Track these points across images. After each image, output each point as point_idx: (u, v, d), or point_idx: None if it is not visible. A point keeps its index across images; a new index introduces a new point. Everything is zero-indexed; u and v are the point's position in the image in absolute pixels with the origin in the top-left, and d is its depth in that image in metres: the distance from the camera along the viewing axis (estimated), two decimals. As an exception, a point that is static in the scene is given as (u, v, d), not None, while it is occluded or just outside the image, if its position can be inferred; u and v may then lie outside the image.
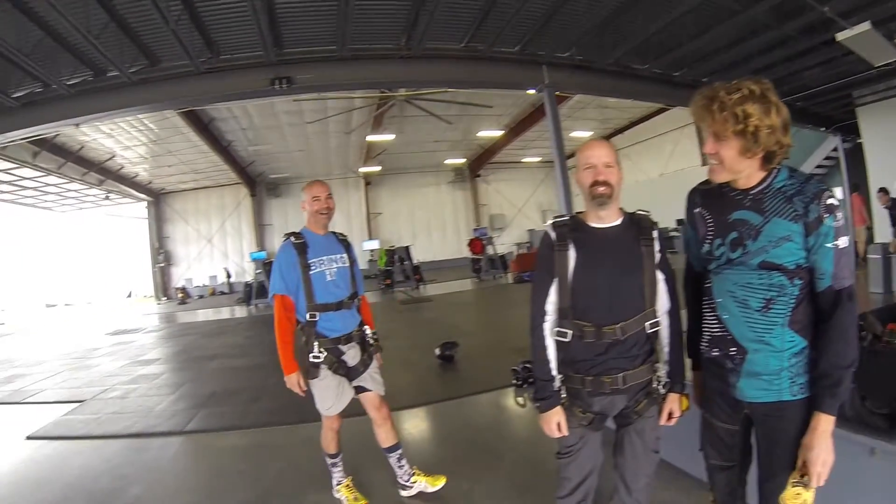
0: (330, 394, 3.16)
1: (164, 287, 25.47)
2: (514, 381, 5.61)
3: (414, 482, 3.45)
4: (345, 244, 3.32)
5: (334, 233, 3.34)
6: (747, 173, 1.76)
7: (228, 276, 24.99)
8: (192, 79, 6.84)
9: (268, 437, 4.85)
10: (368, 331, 3.35)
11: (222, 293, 24.42)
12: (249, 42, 6.47)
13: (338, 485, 3.43)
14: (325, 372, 3.13)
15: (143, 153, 18.12)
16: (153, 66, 6.68)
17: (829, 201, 1.66)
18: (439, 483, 3.47)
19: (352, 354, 3.23)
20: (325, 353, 3.12)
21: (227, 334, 12.13)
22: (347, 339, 3.20)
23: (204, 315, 17.12)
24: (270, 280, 3.19)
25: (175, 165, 20.16)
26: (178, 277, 25.50)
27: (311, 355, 3.11)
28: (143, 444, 4.90)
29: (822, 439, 1.66)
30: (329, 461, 3.41)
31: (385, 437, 3.37)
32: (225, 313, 17.12)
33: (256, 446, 4.64)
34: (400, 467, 3.44)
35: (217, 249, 25.85)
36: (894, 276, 9.79)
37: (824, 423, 1.66)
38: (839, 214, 1.66)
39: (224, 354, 9.25)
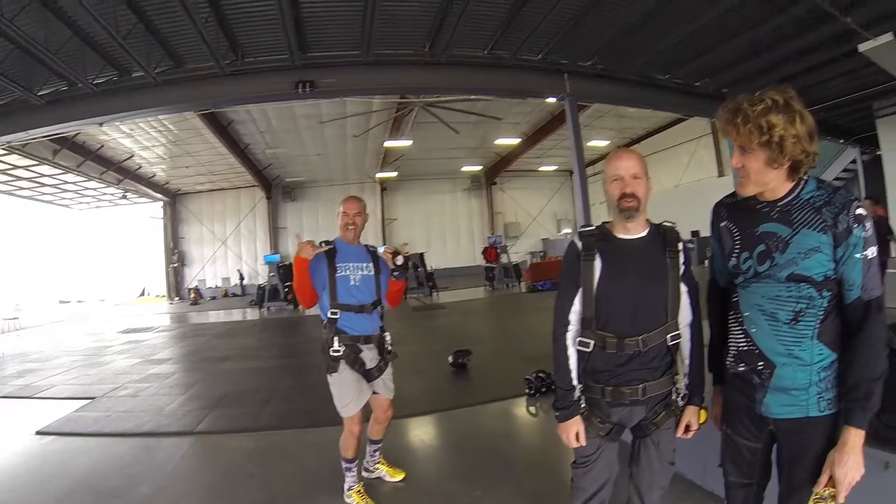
0: (349, 389, 3.30)
1: (177, 287, 25.60)
2: (528, 391, 5.53)
3: (377, 468, 3.77)
4: (373, 256, 3.51)
5: (366, 245, 3.55)
6: (774, 185, 1.74)
7: (241, 278, 25.07)
8: (217, 80, 6.90)
9: (278, 440, 4.79)
10: (388, 337, 3.53)
11: (235, 295, 24.53)
12: (274, 45, 6.52)
13: (349, 490, 3.44)
14: (343, 367, 3.30)
15: (162, 153, 18.30)
16: (178, 67, 6.75)
17: (859, 211, 1.63)
18: (398, 476, 3.76)
19: (370, 356, 3.40)
20: (344, 348, 3.29)
21: (239, 336, 12.14)
22: (367, 339, 3.39)
23: (216, 316, 17.19)
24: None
25: (192, 167, 20.34)
26: (192, 278, 25.65)
27: (331, 350, 3.28)
28: (153, 444, 4.85)
29: (853, 454, 1.62)
30: (344, 465, 3.46)
31: (377, 432, 3.65)
32: (237, 315, 17.17)
33: (266, 449, 4.57)
34: (372, 455, 3.74)
35: (231, 251, 25.99)
36: None
37: (854, 438, 1.62)
38: (868, 224, 1.64)
39: (236, 356, 9.24)
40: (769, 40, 7.62)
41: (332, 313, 3.32)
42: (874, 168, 12.82)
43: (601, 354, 2.02)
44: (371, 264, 3.46)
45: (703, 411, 2.11)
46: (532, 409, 5.25)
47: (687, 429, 2.11)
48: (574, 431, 2.06)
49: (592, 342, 2.02)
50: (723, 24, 6.95)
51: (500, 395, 5.69)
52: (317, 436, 4.64)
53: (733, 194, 1.90)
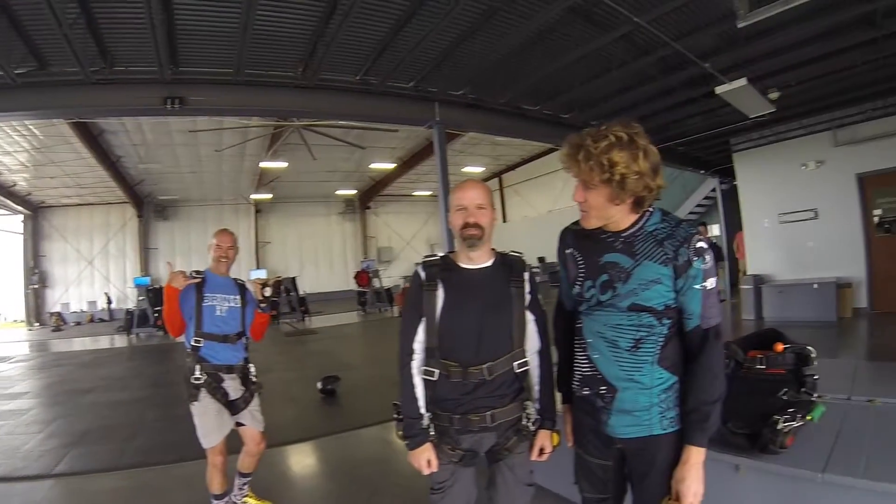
0: (210, 420, 3.32)
1: (37, 311, 23.23)
2: (396, 416, 5.64)
3: (244, 501, 3.75)
4: (241, 288, 3.65)
5: (235, 278, 3.69)
6: (617, 218, 1.81)
7: (109, 301, 23.31)
8: (83, 88, 6.47)
9: (145, 479, 4.60)
10: (253, 369, 3.64)
11: (102, 320, 22.79)
12: (145, 56, 6.25)
13: None
14: (204, 395, 3.33)
15: (24, 160, 16.70)
16: (42, 69, 6.29)
17: (699, 245, 1.73)
18: None
19: (233, 386, 3.46)
20: (206, 377, 3.34)
21: (105, 365, 11.39)
22: (229, 369, 3.47)
23: (81, 343, 15.91)
24: None
25: (58, 177, 18.74)
26: (54, 301, 23.43)
27: (192, 377, 3.33)
28: (5, 490, 4.47)
29: (694, 471, 1.73)
30: (214, 502, 3.44)
31: (248, 465, 3.66)
32: (104, 342, 16.04)
33: (132, 489, 4.39)
34: (240, 489, 3.72)
35: (98, 272, 24.05)
36: (764, 304, 11.06)
37: (695, 456, 1.74)
38: (707, 257, 1.74)
39: (101, 387, 8.74)
40: (635, 79, 8.34)
41: (196, 341, 3.38)
42: (732, 196, 14.25)
43: (446, 383, 2.07)
44: (238, 297, 3.58)
45: (555, 434, 2.18)
46: (401, 433, 5.36)
47: (541, 452, 2.16)
48: (425, 458, 2.09)
49: (437, 371, 2.07)
50: (589, 63, 7.54)
51: (369, 421, 5.85)
52: (185, 470, 4.53)
53: (579, 221, 1.95)
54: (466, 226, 2.05)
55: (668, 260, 1.73)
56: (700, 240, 1.74)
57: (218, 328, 3.44)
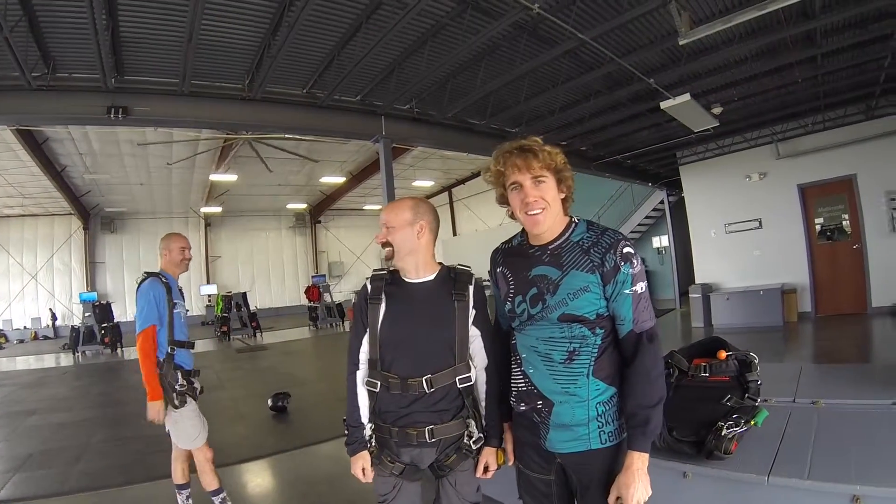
0: (198, 422, 3.55)
1: (-24, 328, 22.03)
2: (346, 432, 5.60)
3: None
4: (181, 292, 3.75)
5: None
6: (555, 221, 1.85)
7: (54, 318, 22.30)
8: (24, 94, 6.23)
9: (91, 503, 4.44)
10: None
11: (46, 338, 21.74)
12: (88, 63, 6.07)
13: None
14: (189, 399, 3.49)
15: (-37, 167, 15.78)
16: None
17: (626, 250, 1.75)
18: None
19: (198, 388, 3.64)
20: (186, 384, 3.48)
21: (50, 385, 10.90)
22: (196, 372, 3.64)
23: (23, 362, 15.21)
24: (140, 312, 3.42)
25: (0, 187, 17.87)
26: (-6, 318, 22.34)
27: (177, 384, 3.42)
28: None
29: (637, 476, 1.72)
30: (177, 491, 3.70)
31: (186, 476, 3.77)
32: (48, 361, 15.31)
33: None
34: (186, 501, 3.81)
35: (42, 287, 22.96)
36: (713, 311, 11.46)
37: (637, 461, 1.73)
38: (635, 262, 1.76)
39: (45, 409, 8.36)
40: (581, 94, 8.56)
41: (171, 349, 3.44)
42: (680, 207, 14.79)
43: (386, 395, 2.08)
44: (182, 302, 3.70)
45: (500, 452, 2.16)
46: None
47: (486, 469, 2.14)
48: (360, 466, 2.11)
49: (379, 383, 2.08)
50: (536, 77, 7.69)
51: (320, 438, 5.81)
52: (134, 493, 4.45)
53: (510, 240, 2.01)
54: (383, 244, 2.13)
55: (595, 267, 1.76)
56: (626, 245, 1.77)
57: (184, 335, 3.55)
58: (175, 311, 3.47)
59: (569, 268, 1.80)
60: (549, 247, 1.86)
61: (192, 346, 3.61)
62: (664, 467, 2.46)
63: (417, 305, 2.11)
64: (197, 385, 3.60)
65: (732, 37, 6.65)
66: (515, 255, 1.96)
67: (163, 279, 3.49)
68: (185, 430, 3.49)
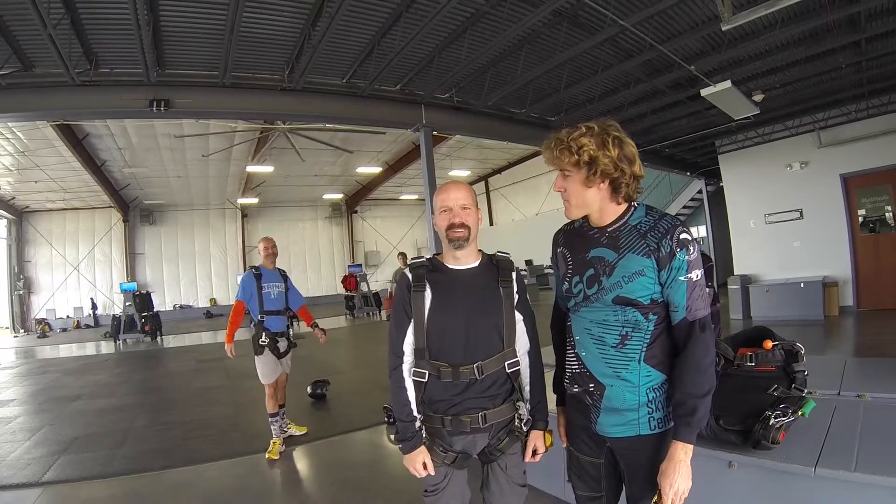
0: (269, 367, 5.02)
1: (22, 317, 22.76)
2: (387, 419, 5.74)
3: (289, 428, 5.48)
4: (283, 276, 5.31)
5: (278, 269, 5.33)
6: (599, 207, 1.83)
7: (95, 307, 23.02)
8: (68, 90, 6.42)
9: (133, 486, 4.53)
10: (291, 332, 5.32)
11: (88, 326, 22.50)
12: (130, 58, 6.21)
13: (274, 437, 5.12)
14: (266, 352, 5.00)
15: (9, 164, 16.40)
16: (27, 70, 6.21)
17: (682, 236, 1.71)
18: (303, 430, 5.63)
19: (283, 345, 5.13)
20: (269, 340, 5.00)
21: (92, 372, 11.18)
22: (281, 334, 5.15)
23: (67, 350, 15.65)
24: (237, 292, 5.16)
25: (43, 181, 18.41)
26: (40, 307, 23.05)
27: (259, 340, 4.98)
28: None
29: (679, 467, 1.69)
30: (270, 419, 5.14)
31: (281, 398, 5.28)
32: (90, 349, 15.75)
33: (121, 496, 4.33)
34: (282, 417, 5.32)
35: (84, 278, 23.72)
36: (752, 303, 11.23)
37: (681, 452, 1.70)
38: (692, 248, 1.72)
39: (88, 394, 8.56)
40: (620, 82, 8.44)
41: (261, 317, 5.00)
42: (718, 197, 14.47)
43: (437, 384, 2.05)
44: (282, 284, 5.23)
45: (548, 435, 2.16)
46: (392, 437, 5.36)
47: (534, 453, 2.14)
48: (420, 461, 2.05)
49: (428, 372, 2.05)
50: (575, 65, 7.62)
51: (359, 425, 5.86)
52: (174, 477, 4.53)
53: (572, 222, 1.98)
54: (452, 226, 2.05)
55: (651, 252, 1.73)
56: (683, 231, 1.74)
57: (273, 306, 5.09)
58: (263, 291, 5.02)
59: (625, 251, 1.78)
60: (608, 229, 1.84)
61: (278, 314, 5.10)
62: (710, 456, 2.46)
63: (465, 292, 2.08)
64: (281, 344, 5.07)
65: (774, 21, 6.45)
66: (576, 236, 1.95)
67: (255, 270, 5.08)
68: (260, 369, 5.00)
